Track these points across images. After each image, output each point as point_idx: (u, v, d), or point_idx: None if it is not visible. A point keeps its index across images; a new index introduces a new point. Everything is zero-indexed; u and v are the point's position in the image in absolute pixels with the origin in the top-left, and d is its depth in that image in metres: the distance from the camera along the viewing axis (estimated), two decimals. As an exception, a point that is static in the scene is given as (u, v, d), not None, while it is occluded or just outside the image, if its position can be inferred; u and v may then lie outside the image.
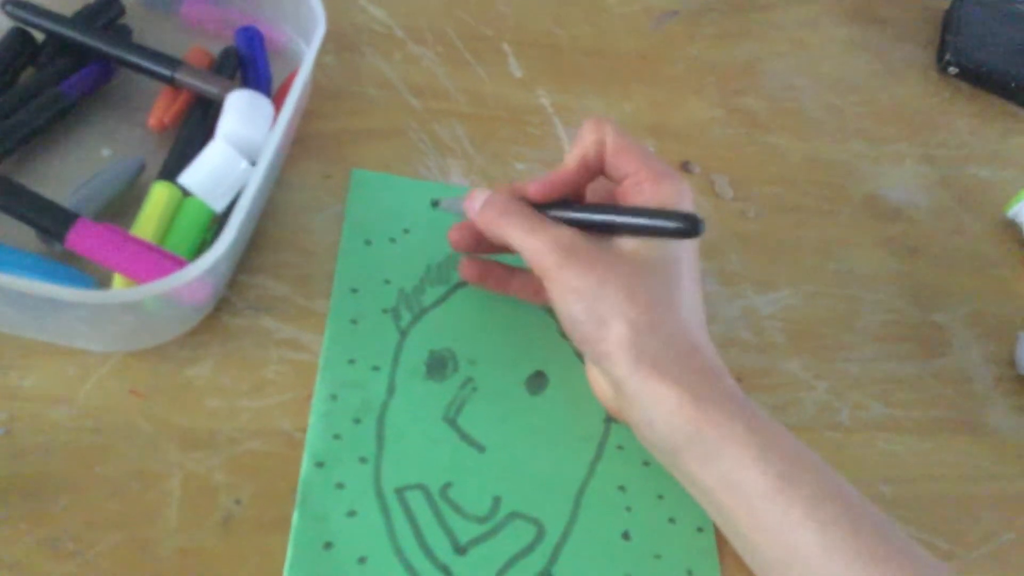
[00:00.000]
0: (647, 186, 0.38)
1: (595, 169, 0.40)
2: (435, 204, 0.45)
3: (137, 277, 0.38)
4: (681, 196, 0.38)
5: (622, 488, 0.41)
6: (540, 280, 0.38)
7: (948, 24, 0.71)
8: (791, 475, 0.34)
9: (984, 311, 0.54)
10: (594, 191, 0.42)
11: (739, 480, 0.34)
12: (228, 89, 0.45)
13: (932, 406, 0.48)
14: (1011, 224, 0.59)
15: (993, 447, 0.47)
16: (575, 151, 0.40)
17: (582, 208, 0.39)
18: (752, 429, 0.35)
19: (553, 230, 0.38)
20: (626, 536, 0.39)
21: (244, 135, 0.43)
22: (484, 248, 0.43)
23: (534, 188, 0.40)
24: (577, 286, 0.37)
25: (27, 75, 0.46)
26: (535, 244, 0.38)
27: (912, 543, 0.34)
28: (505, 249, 0.42)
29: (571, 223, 0.39)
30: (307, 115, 0.50)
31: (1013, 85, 0.67)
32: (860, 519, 0.33)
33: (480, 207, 0.40)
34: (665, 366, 0.35)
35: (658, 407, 0.35)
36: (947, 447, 0.47)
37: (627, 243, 0.38)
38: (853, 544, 0.33)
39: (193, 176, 0.42)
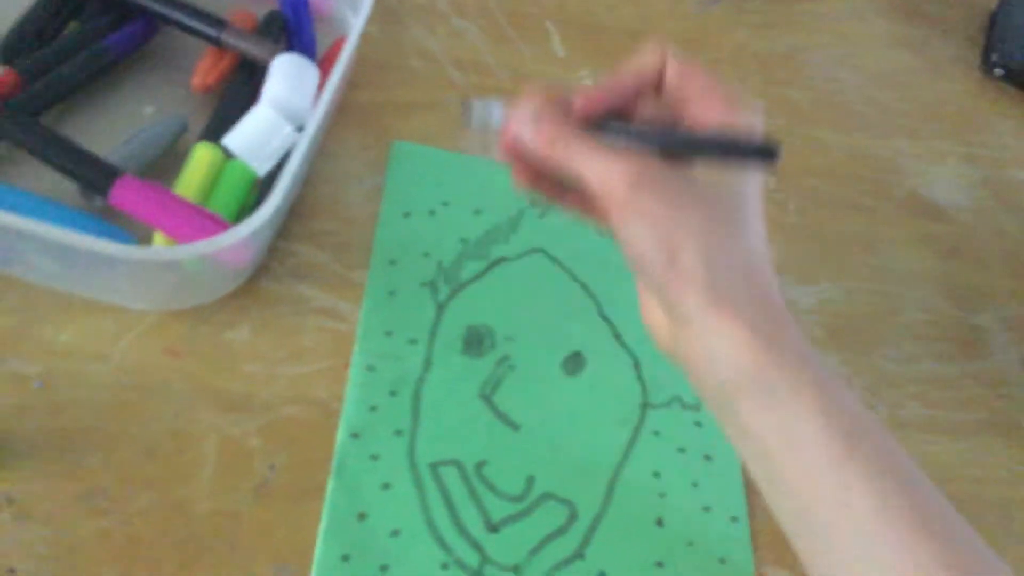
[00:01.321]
0: (716, 112, 0.35)
1: (645, 89, 0.36)
2: (464, 109, 0.36)
3: (179, 236, 0.38)
4: (754, 123, 0.35)
5: (656, 474, 0.40)
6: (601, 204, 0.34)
7: (994, 25, 0.70)
8: (854, 435, 0.32)
9: (1023, 314, 0.53)
10: (641, 117, 0.37)
11: (799, 431, 0.32)
12: (274, 53, 0.44)
13: (970, 408, 0.47)
14: (1052, 229, 0.58)
15: (1030, 451, 0.47)
16: (631, 64, 0.36)
17: (650, 128, 0.35)
18: (819, 382, 0.32)
19: (622, 152, 0.34)
20: (659, 522, 0.39)
21: (289, 100, 0.42)
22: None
23: (583, 101, 0.35)
24: (650, 213, 0.33)
25: (71, 29, 0.45)
26: (602, 168, 0.34)
27: (970, 529, 0.32)
28: (564, 200, 0.39)
29: (634, 144, 0.34)
30: (350, 85, 0.49)
31: (1059, 89, 0.66)
32: (921, 488, 0.32)
33: (533, 129, 0.35)
34: (738, 304, 0.33)
35: (724, 345, 0.33)
36: (984, 449, 0.46)
37: (700, 173, 0.34)
38: (910, 515, 0.31)
39: (237, 139, 0.41)
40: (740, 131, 0.34)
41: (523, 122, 0.35)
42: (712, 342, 0.33)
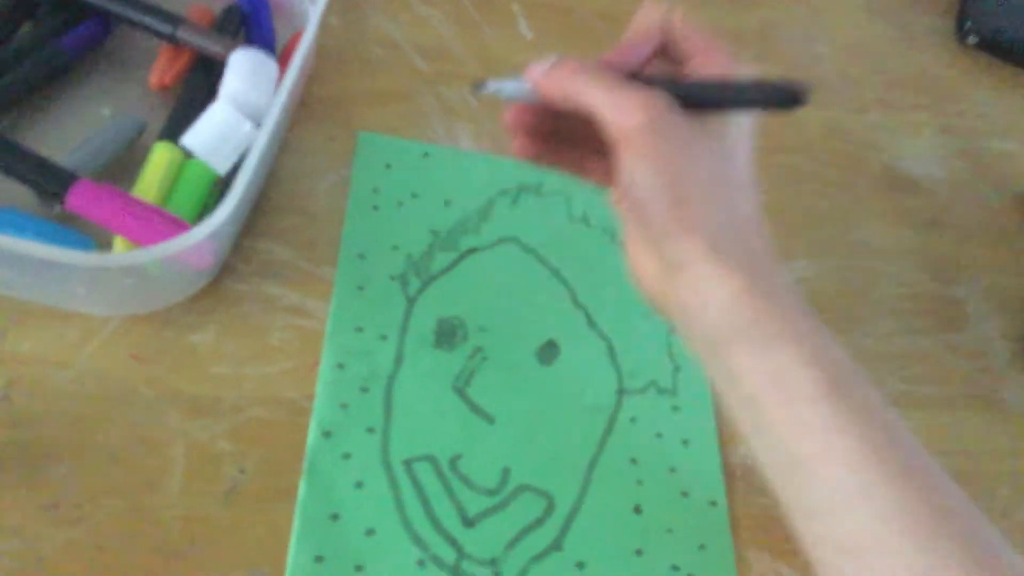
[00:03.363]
0: (719, 65, 0.35)
1: (656, 49, 0.37)
2: (478, 86, 0.38)
3: (139, 240, 0.37)
4: (755, 75, 0.35)
5: (634, 461, 0.40)
6: (605, 148, 0.35)
7: (968, -8, 0.70)
8: (840, 382, 0.32)
9: (1002, 285, 0.53)
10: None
11: (789, 377, 0.33)
12: (232, 48, 0.43)
13: (948, 382, 0.47)
14: (1030, 197, 0.58)
15: (1008, 423, 0.46)
16: (638, 28, 0.37)
17: (672, 81, 0.35)
18: (810, 332, 0.33)
19: (644, 88, 0.34)
20: (637, 510, 0.38)
21: (248, 96, 0.41)
22: (543, 130, 0.39)
23: (604, 58, 0.37)
24: (663, 156, 0.34)
25: (25, 30, 0.44)
26: (623, 101, 0.34)
27: (946, 474, 0.32)
28: (563, 163, 0.40)
29: (659, 89, 0.35)
30: (311, 78, 0.48)
31: (1033, 55, 0.66)
32: (901, 433, 0.32)
33: (549, 67, 0.36)
34: (736, 254, 0.33)
35: (719, 292, 0.33)
36: (963, 423, 0.46)
37: (714, 120, 0.35)
38: (892, 456, 0.31)
39: (196, 137, 0.40)
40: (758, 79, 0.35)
41: (543, 66, 0.35)
42: (707, 288, 0.33)
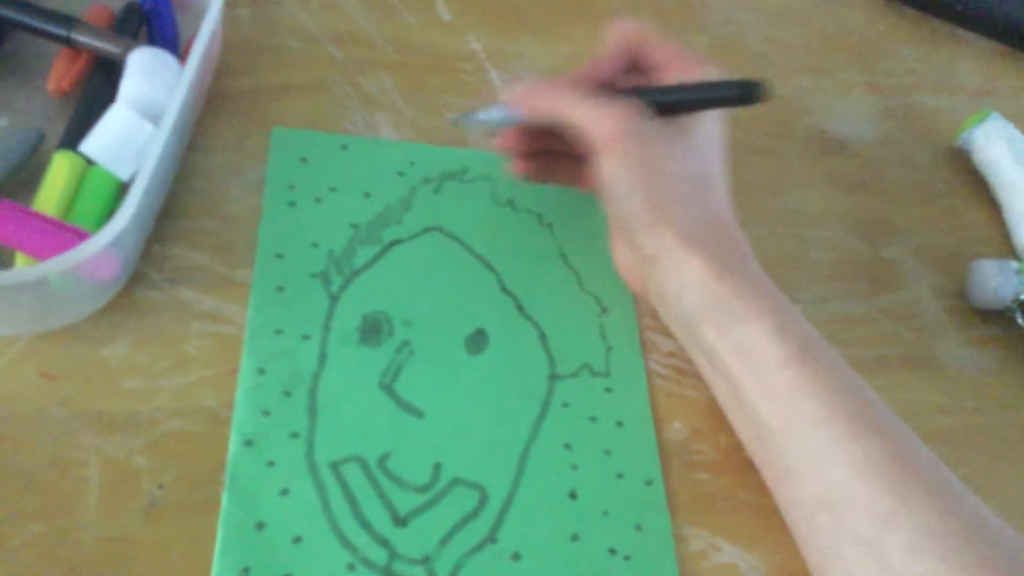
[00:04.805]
0: (686, 73, 0.39)
1: (629, 62, 0.41)
2: (456, 121, 0.44)
3: (38, 254, 0.35)
4: (722, 77, 0.39)
5: (568, 446, 0.39)
6: (588, 157, 0.39)
7: (892, -52, 0.69)
8: (805, 349, 0.36)
9: (934, 243, 0.53)
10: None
11: (756, 349, 0.36)
12: (129, 48, 0.42)
13: (882, 343, 0.47)
14: (961, 152, 0.58)
15: (944, 381, 0.47)
16: (610, 43, 0.41)
17: (644, 89, 0.40)
18: (773, 306, 0.37)
19: (616, 99, 0.38)
20: (573, 495, 0.38)
21: (148, 96, 0.40)
22: (537, 153, 0.44)
23: (576, 73, 0.41)
24: (638, 158, 0.37)
25: (-90, 42, 0.43)
26: (596, 112, 0.38)
27: (906, 427, 0.36)
28: (558, 176, 0.45)
29: (630, 98, 0.39)
30: (221, 72, 0.47)
31: (959, 8, 0.66)
32: (864, 393, 0.35)
33: (527, 88, 0.40)
34: (706, 243, 0.37)
35: (691, 276, 0.37)
36: (898, 384, 0.46)
37: (680, 123, 0.39)
38: (857, 415, 0.34)
39: (94, 143, 0.39)
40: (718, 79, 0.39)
41: (518, 90, 0.40)
42: (682, 272, 0.37)
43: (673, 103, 0.39)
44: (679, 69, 0.40)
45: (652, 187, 0.37)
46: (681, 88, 0.39)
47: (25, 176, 0.40)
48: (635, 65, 0.42)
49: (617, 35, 0.41)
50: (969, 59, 0.65)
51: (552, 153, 0.44)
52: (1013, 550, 0.32)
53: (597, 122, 0.38)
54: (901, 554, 0.32)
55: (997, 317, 0.49)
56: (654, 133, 0.38)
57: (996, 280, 0.48)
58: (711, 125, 0.40)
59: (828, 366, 0.36)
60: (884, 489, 0.33)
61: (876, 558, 0.32)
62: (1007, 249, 0.53)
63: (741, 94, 0.37)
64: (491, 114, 0.41)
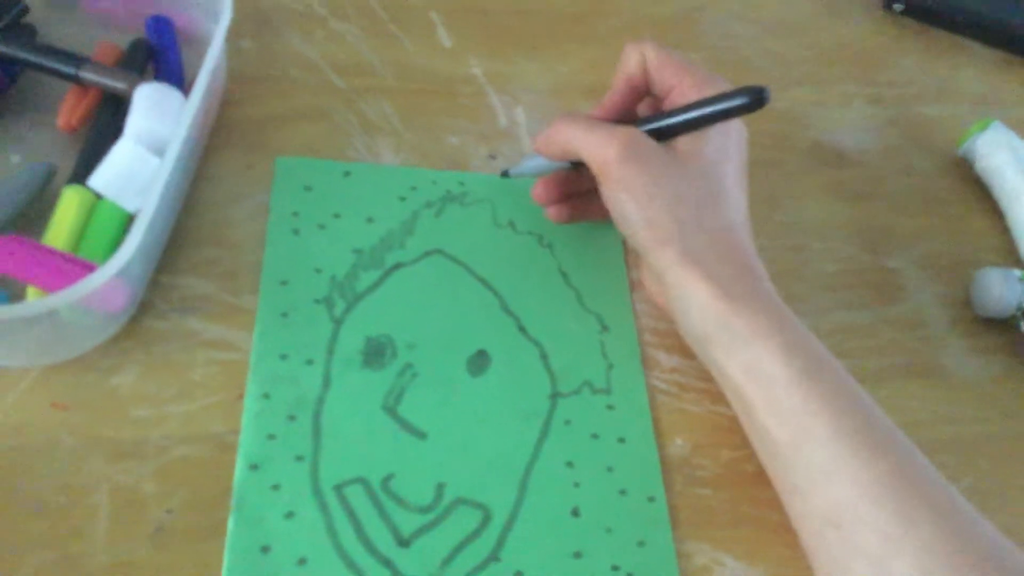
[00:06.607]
0: (693, 92, 0.40)
1: (642, 89, 0.43)
2: (505, 175, 0.48)
3: (49, 287, 0.36)
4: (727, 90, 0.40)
5: (570, 464, 0.40)
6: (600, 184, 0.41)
7: (892, -41, 0.70)
8: (811, 370, 0.36)
9: (937, 252, 0.53)
10: (642, 113, 0.45)
11: (762, 368, 0.36)
12: (135, 84, 0.43)
13: (887, 353, 0.47)
14: (963, 161, 0.58)
15: (949, 391, 0.47)
16: (619, 75, 0.43)
17: (644, 119, 0.41)
18: (779, 326, 0.37)
19: (617, 126, 0.40)
20: (575, 512, 0.38)
21: (154, 130, 0.41)
22: (568, 197, 0.46)
23: (593, 112, 0.43)
24: (633, 184, 0.39)
25: (-75, 84, 0.44)
26: (597, 137, 0.40)
27: (912, 444, 0.36)
28: (592, 214, 0.46)
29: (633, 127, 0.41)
30: (226, 103, 0.48)
31: (960, 18, 0.66)
32: (871, 412, 0.36)
33: (545, 131, 0.43)
34: (706, 263, 0.38)
35: (693, 298, 0.38)
36: (903, 393, 0.46)
37: (683, 144, 0.40)
38: (864, 434, 0.34)
39: (102, 178, 0.40)
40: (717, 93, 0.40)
41: (544, 134, 0.43)
42: (684, 295, 0.38)
43: (673, 128, 0.40)
44: (686, 89, 0.41)
45: (650, 210, 0.38)
46: (683, 110, 0.40)
47: (37, 209, 0.41)
48: (646, 91, 0.43)
49: (631, 58, 0.42)
50: (970, 68, 0.65)
51: (580, 194, 0.46)
52: (1019, 573, 0.32)
53: (598, 148, 0.39)
54: (907, 575, 0.32)
55: (1002, 326, 0.49)
56: (651, 157, 0.39)
57: (1000, 288, 0.48)
58: (719, 143, 0.40)
59: (835, 384, 0.36)
60: (890, 510, 0.33)
61: None
62: (1012, 257, 0.53)
63: (745, 102, 0.38)
64: (532, 164, 0.45)
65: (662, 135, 0.40)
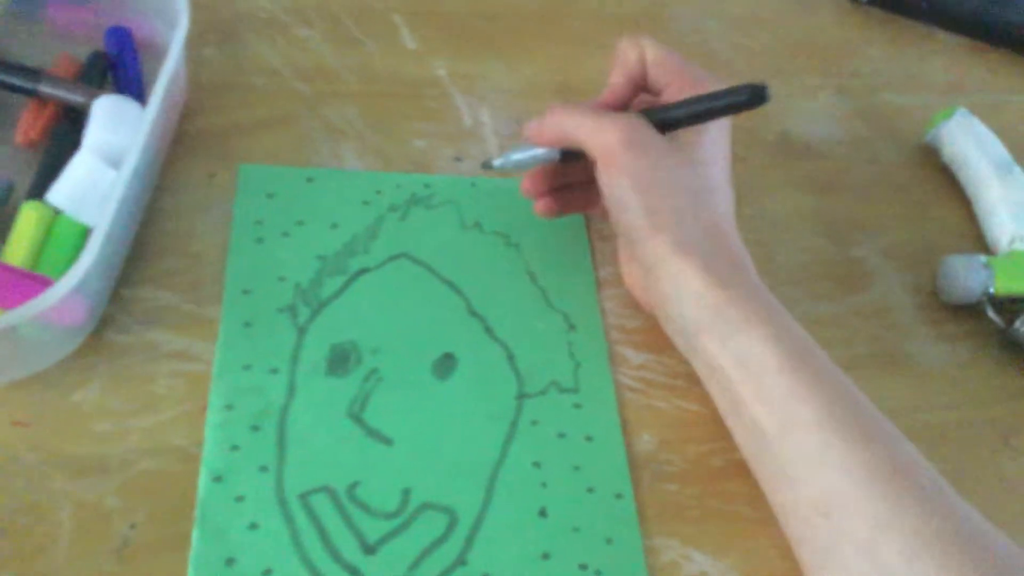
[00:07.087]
0: (690, 88, 0.41)
1: (640, 84, 0.43)
2: (487, 166, 0.45)
3: (5, 304, 0.36)
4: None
5: (537, 464, 0.40)
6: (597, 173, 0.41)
7: (857, -51, 0.70)
8: (800, 357, 0.36)
9: (903, 240, 0.53)
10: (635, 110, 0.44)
11: (752, 356, 0.37)
12: (94, 96, 0.43)
13: (853, 343, 0.47)
14: (931, 149, 0.58)
15: (917, 378, 0.47)
16: (619, 69, 0.43)
17: (646, 110, 0.42)
18: (769, 315, 0.37)
19: (618, 114, 0.41)
20: (543, 513, 0.38)
21: (112, 143, 0.41)
22: (558, 188, 0.46)
23: (589, 102, 0.43)
24: (635, 171, 0.39)
25: None
26: (599, 123, 0.40)
27: (899, 432, 0.36)
28: (576, 207, 0.46)
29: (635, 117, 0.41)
30: (188, 113, 0.48)
31: (925, 5, 0.66)
32: (858, 399, 0.36)
33: (539, 119, 0.42)
34: (700, 252, 0.38)
35: (688, 287, 0.38)
36: (870, 382, 0.45)
37: (683, 137, 0.41)
38: (852, 421, 0.35)
39: (60, 192, 0.40)
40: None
41: (538, 122, 0.42)
42: (678, 282, 0.38)
43: (676, 119, 0.41)
44: (682, 87, 0.41)
45: (649, 197, 0.39)
46: (686, 103, 0.41)
47: (-3, 227, 0.41)
48: (643, 87, 0.44)
49: (629, 53, 0.43)
50: (937, 56, 0.65)
51: (569, 186, 0.46)
52: (1005, 555, 0.33)
53: (599, 134, 0.40)
54: (896, 559, 0.32)
55: (968, 312, 0.49)
56: (653, 145, 0.40)
57: (965, 275, 0.48)
58: (714, 137, 0.41)
59: (823, 373, 0.36)
60: (878, 495, 0.33)
61: (872, 562, 0.33)
62: (978, 244, 0.53)
63: (749, 98, 0.39)
64: (523, 153, 0.43)
65: (662, 127, 0.41)
